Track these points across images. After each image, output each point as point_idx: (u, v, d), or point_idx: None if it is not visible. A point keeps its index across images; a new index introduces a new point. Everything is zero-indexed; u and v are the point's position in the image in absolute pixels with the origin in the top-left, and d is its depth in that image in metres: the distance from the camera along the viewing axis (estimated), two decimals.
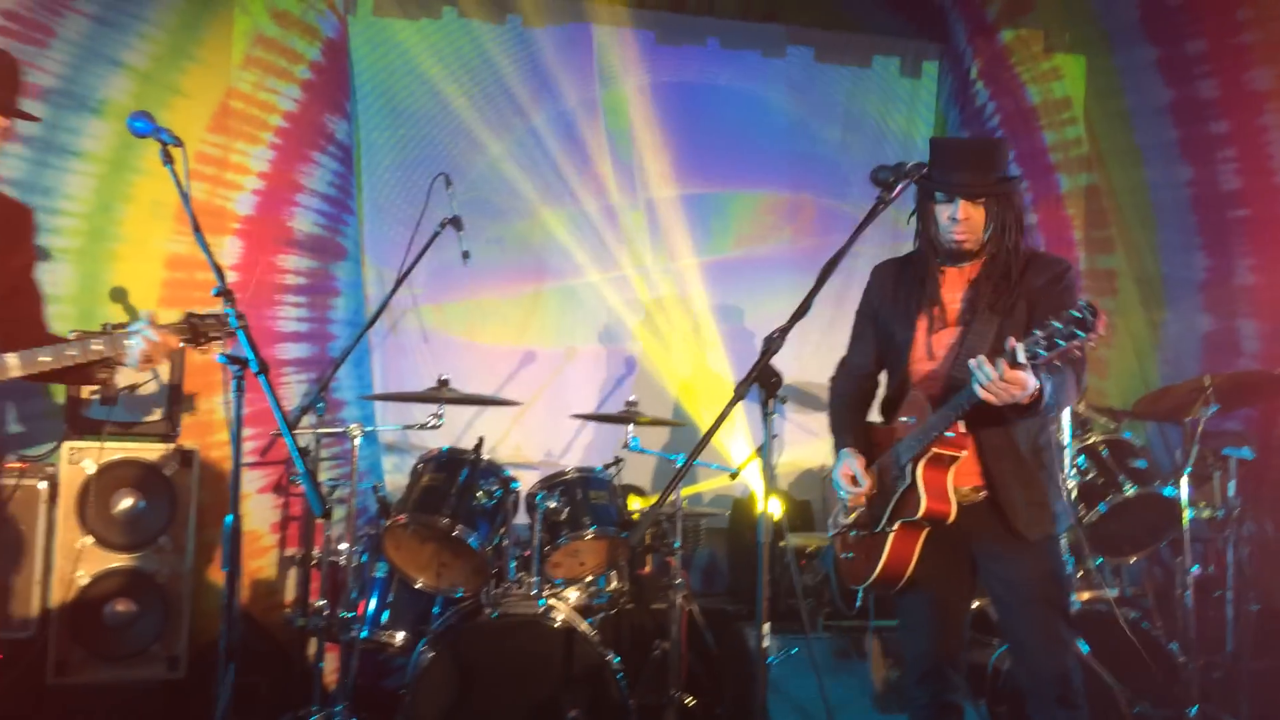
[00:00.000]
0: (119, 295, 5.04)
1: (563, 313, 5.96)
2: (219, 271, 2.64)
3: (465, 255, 4.32)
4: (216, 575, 5.09)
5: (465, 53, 5.84)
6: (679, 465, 4.49)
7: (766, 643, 2.65)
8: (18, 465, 4.41)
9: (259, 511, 5.31)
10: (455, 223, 4.31)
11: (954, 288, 3.19)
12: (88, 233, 5.07)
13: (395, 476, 5.56)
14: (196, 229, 2.73)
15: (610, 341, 6.02)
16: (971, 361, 2.79)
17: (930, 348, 3.18)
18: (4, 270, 2.98)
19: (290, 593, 5.29)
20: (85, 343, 2.86)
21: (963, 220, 3.08)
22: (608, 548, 4.35)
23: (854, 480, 3.23)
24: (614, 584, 4.45)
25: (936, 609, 3.24)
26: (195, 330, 2.94)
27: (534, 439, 5.84)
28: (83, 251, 5.06)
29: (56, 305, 5.00)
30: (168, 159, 2.80)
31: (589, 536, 4.21)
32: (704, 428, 5.77)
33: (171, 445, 4.62)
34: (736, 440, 5.76)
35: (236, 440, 2.59)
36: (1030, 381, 2.75)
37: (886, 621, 4.13)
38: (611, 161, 5.99)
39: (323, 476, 4.85)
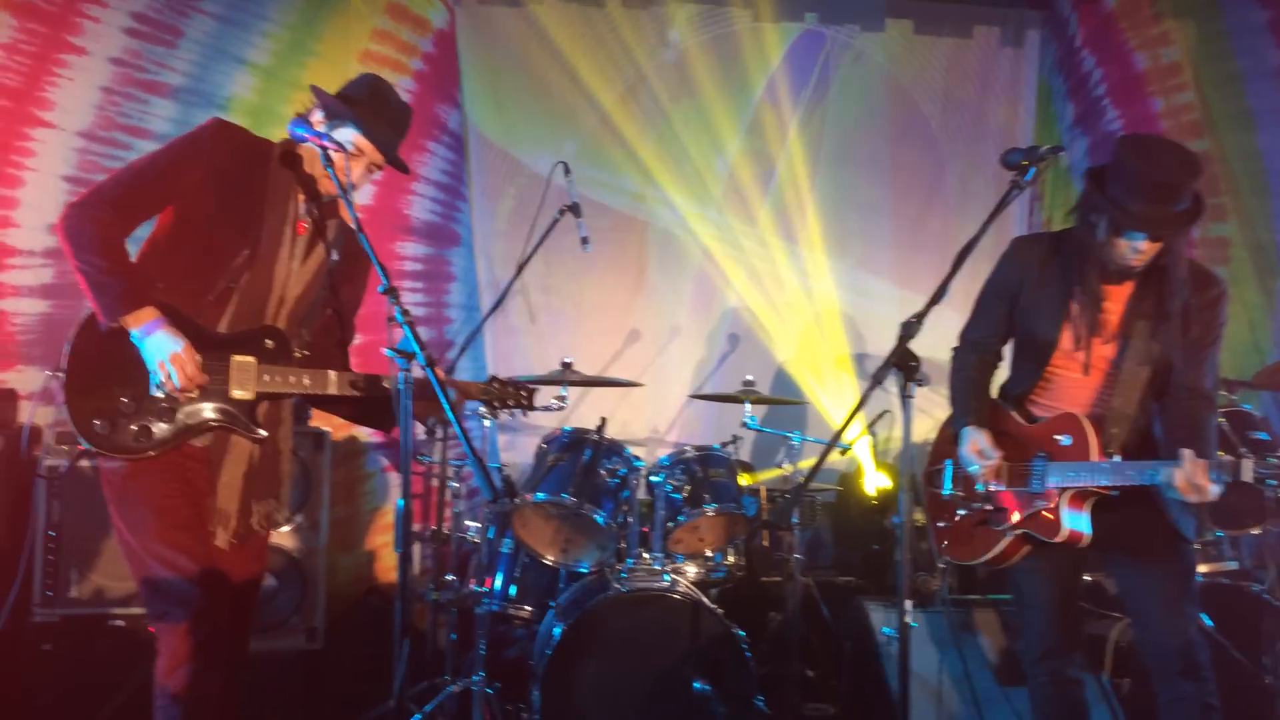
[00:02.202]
0: None
1: (667, 291, 6.06)
2: (383, 269, 2.78)
3: (584, 241, 4.43)
4: (348, 551, 5.34)
5: (569, 35, 5.93)
6: (796, 443, 4.64)
7: (910, 619, 2.73)
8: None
9: (383, 489, 5.53)
10: (574, 209, 4.42)
11: (1114, 296, 3.13)
12: None
13: (507, 454, 5.72)
14: (359, 229, 2.87)
15: (713, 320, 6.10)
16: (1187, 463, 2.83)
17: (1085, 358, 3.15)
18: (336, 297, 3.18)
19: (416, 565, 5.50)
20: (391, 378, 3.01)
21: (1144, 251, 2.98)
22: (727, 524, 4.46)
23: (982, 454, 3.22)
24: (731, 559, 4.55)
25: (1052, 586, 3.26)
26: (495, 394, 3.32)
27: (641, 416, 5.96)
28: None
29: None
30: (328, 162, 2.93)
31: (709, 513, 4.32)
32: (817, 405, 5.85)
33: (302, 427, 4.82)
34: (845, 414, 5.81)
35: (406, 431, 2.73)
36: (1217, 492, 2.82)
37: (1002, 596, 4.19)
38: (720, 141, 6.04)
39: (441, 457, 5.02)
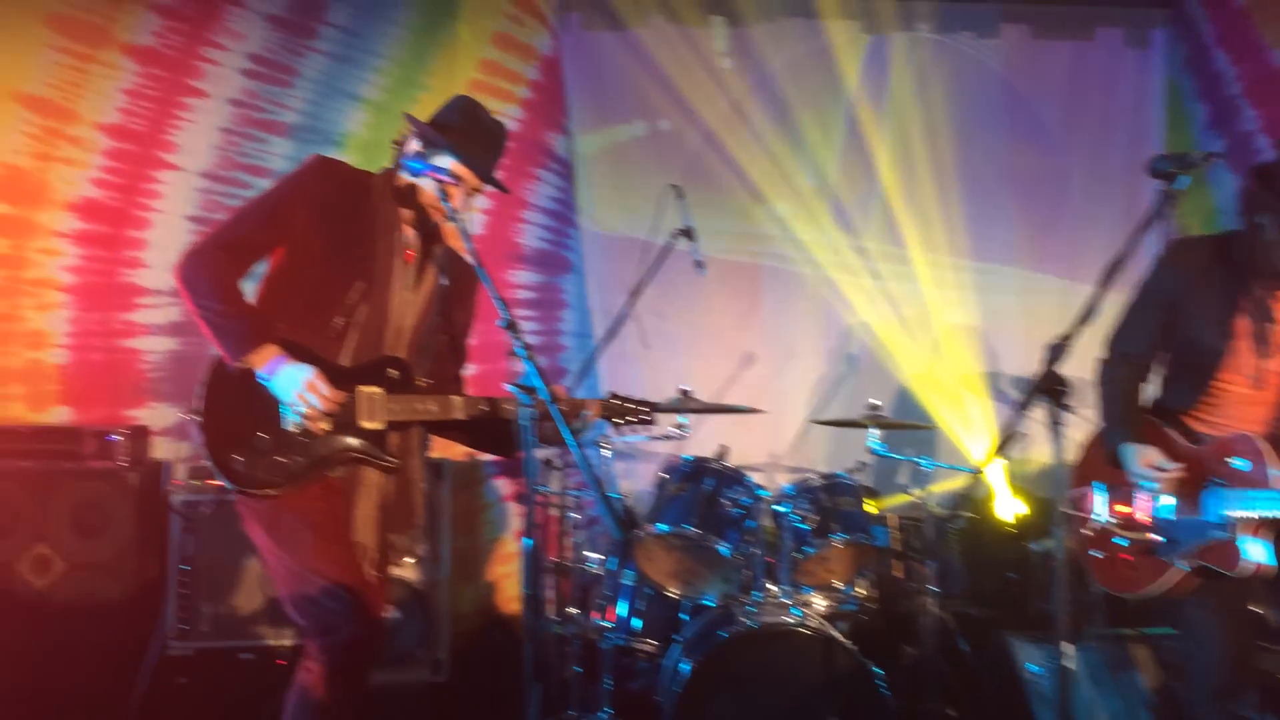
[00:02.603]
0: None
1: (782, 313, 5.92)
2: (503, 304, 2.73)
3: (699, 265, 4.35)
4: (469, 582, 5.32)
5: (675, 59, 5.87)
6: (928, 468, 4.47)
7: (1071, 664, 2.56)
8: None
9: (503, 519, 5.51)
10: (687, 233, 4.34)
11: None
12: None
13: (625, 482, 5.63)
14: (478, 262, 2.83)
15: (830, 340, 5.94)
16: None
17: (1257, 372, 2.97)
18: (449, 323, 3.18)
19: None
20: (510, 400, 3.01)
21: None
22: (856, 554, 4.31)
23: (1159, 469, 3.01)
24: (862, 590, 4.39)
25: (1225, 619, 3.04)
26: (615, 410, 3.26)
27: (758, 441, 5.81)
28: None
29: None
30: (444, 196, 2.91)
31: (838, 544, 4.17)
32: (944, 427, 5.65)
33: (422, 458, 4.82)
34: (977, 437, 5.60)
35: (530, 468, 2.67)
36: None
37: (1157, 629, 3.95)
38: (829, 156, 5.91)
39: (560, 486, 4.97)
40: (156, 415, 5.09)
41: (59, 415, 5.01)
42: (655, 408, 3.38)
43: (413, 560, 4.64)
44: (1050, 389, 2.63)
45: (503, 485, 5.51)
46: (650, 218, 5.69)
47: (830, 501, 4.25)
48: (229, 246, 2.92)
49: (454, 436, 3.34)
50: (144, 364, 5.12)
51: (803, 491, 4.30)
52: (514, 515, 5.50)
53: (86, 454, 4.45)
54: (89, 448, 4.45)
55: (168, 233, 5.15)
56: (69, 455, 4.44)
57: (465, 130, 3.06)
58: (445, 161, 3.00)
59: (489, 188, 3.13)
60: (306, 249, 2.94)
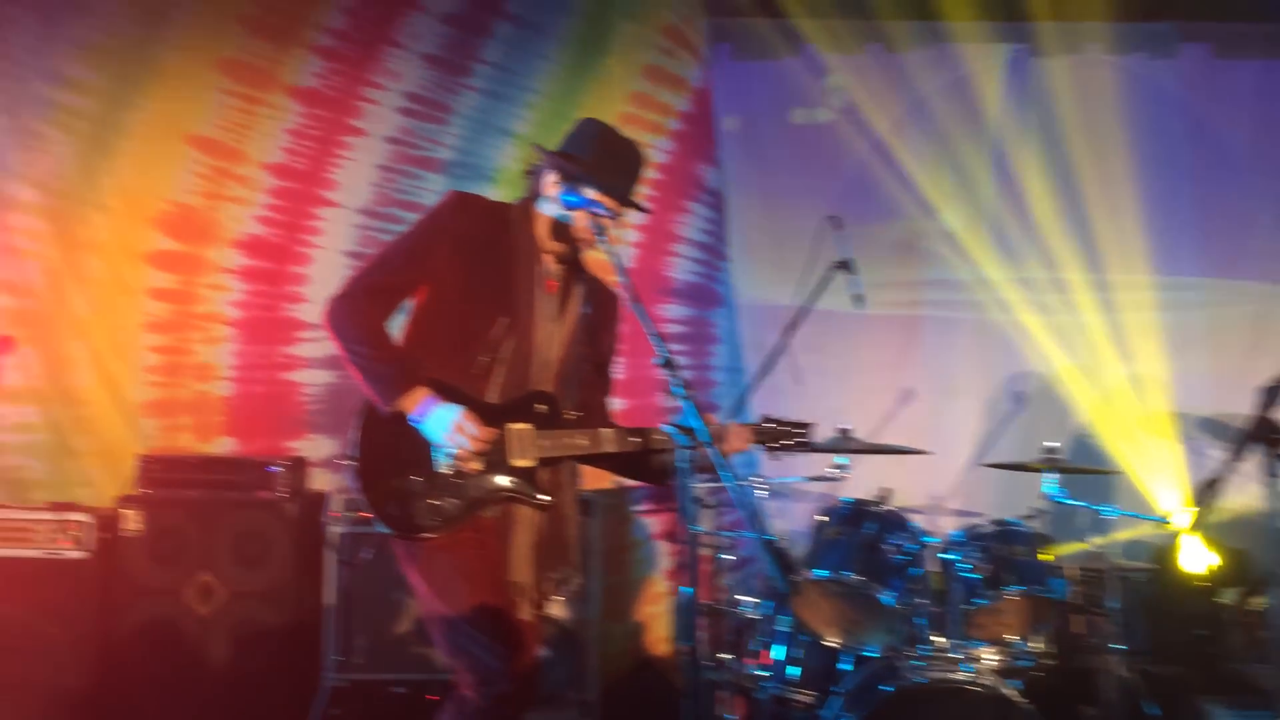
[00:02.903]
0: None
1: (943, 346, 5.67)
2: (661, 342, 2.63)
3: (858, 299, 4.18)
4: (619, 621, 5.22)
5: (827, 87, 5.72)
6: (1106, 516, 4.17)
7: None
8: None
9: (652, 557, 5.40)
10: (846, 265, 4.18)
11: None
12: None
13: (779, 522, 5.45)
14: (635, 299, 2.73)
15: (996, 377, 5.65)
16: None
17: None
18: (594, 351, 3.15)
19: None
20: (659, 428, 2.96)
21: None
22: (1032, 607, 4.03)
23: None
24: (1037, 645, 4.11)
25: None
26: (770, 434, 3.15)
27: (918, 481, 5.52)
28: None
29: None
30: (600, 231, 2.84)
31: (1013, 595, 3.92)
32: (1129, 472, 5.30)
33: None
34: (1163, 483, 5.23)
35: (688, 511, 2.55)
36: None
37: None
38: (987, 183, 5.66)
39: (711, 525, 4.83)
40: (315, 447, 5.16)
41: (224, 446, 5.13)
42: (809, 429, 3.25)
43: (562, 598, 4.57)
44: (1263, 436, 2.37)
45: (652, 522, 5.40)
46: (803, 250, 5.62)
47: (1003, 550, 4.00)
48: (373, 290, 2.92)
49: (603, 466, 3.25)
50: (303, 396, 5.21)
51: (973, 538, 4.06)
52: (664, 553, 5.37)
53: (249, 484, 4.53)
54: (251, 478, 4.53)
55: (327, 268, 5.24)
56: (232, 485, 4.52)
57: (602, 158, 2.99)
58: (587, 192, 2.94)
59: (633, 213, 3.06)
60: (449, 286, 2.93)
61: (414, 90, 5.36)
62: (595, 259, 3.02)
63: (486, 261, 2.95)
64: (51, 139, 5.10)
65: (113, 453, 4.97)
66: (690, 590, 2.57)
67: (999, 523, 4.11)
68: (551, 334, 3.03)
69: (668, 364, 2.61)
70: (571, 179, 2.95)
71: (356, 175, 5.31)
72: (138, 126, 5.16)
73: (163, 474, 4.52)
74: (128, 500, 4.45)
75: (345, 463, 2.88)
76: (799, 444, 3.22)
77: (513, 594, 2.94)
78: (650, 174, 5.47)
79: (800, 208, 5.56)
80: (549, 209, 2.99)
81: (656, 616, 5.35)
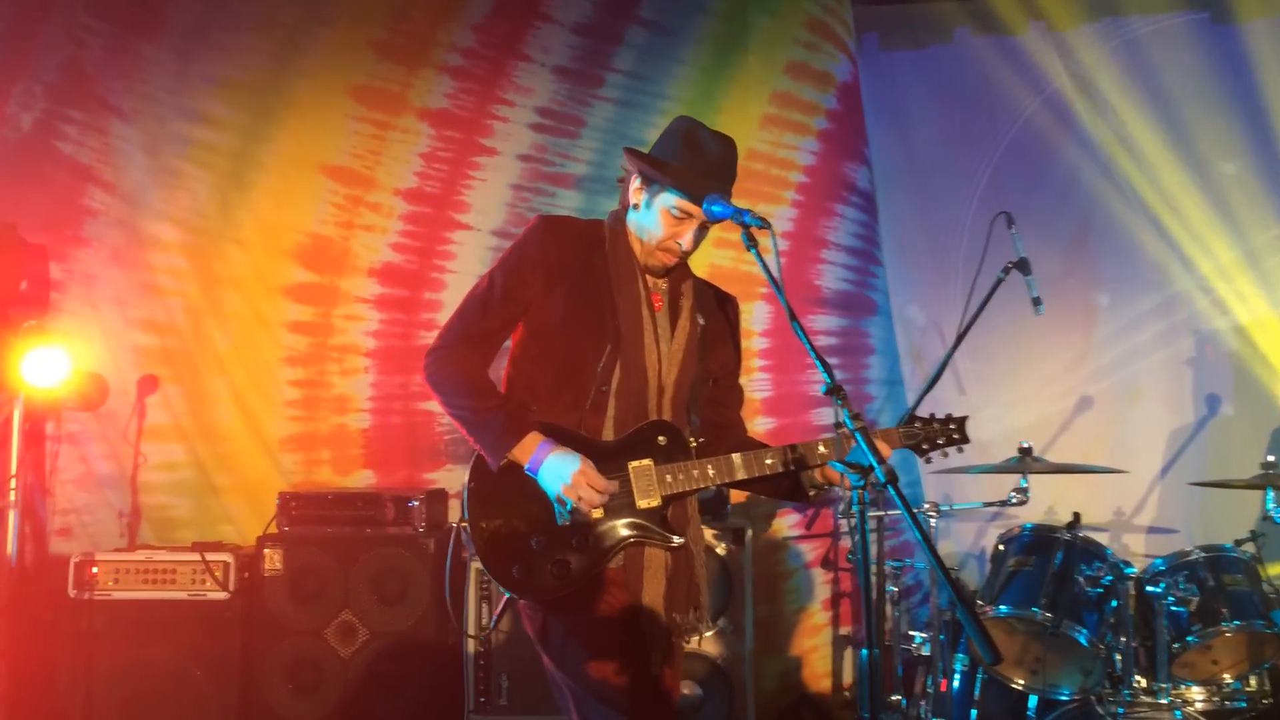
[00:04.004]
0: None
1: (1124, 347, 5.14)
2: (824, 366, 2.32)
3: (1036, 303, 3.77)
4: (774, 655, 4.91)
5: (980, 73, 5.30)
6: None
7: None
8: None
9: (807, 587, 5.06)
10: (1022, 266, 3.77)
11: None
12: None
13: (943, 544, 5.04)
14: (793, 318, 2.43)
15: (1186, 376, 5.10)
16: None
17: None
18: (715, 366, 2.89)
19: (848, 675, 4.97)
20: (811, 444, 2.69)
21: None
22: (1249, 643, 3.55)
23: None
24: (1255, 684, 3.62)
25: None
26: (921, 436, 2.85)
27: (1099, 497, 5.05)
28: None
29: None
30: (751, 242, 2.54)
31: (1229, 631, 3.44)
32: None
33: (723, 523, 4.47)
34: None
35: (864, 556, 2.23)
36: None
37: None
38: (1175, 155, 5.12)
39: (878, 555, 4.46)
40: (453, 478, 5.02)
41: (363, 479, 5.04)
42: (963, 423, 2.89)
43: (711, 633, 4.29)
44: None
45: (807, 550, 5.06)
46: (964, 250, 5.20)
47: (1215, 580, 3.55)
48: (469, 338, 2.73)
49: (738, 485, 2.94)
50: (440, 426, 5.08)
51: (1178, 567, 3.61)
52: (820, 584, 5.03)
53: (387, 520, 4.40)
54: (389, 514, 4.41)
55: (461, 294, 5.02)
56: (370, 521, 4.41)
57: (687, 161, 2.68)
58: (670, 200, 2.66)
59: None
60: (546, 320, 2.70)
61: (545, 105, 5.18)
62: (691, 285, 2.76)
63: (584, 287, 2.70)
64: (190, 176, 5.11)
65: (255, 489, 4.93)
66: (873, 655, 2.22)
67: (1209, 549, 3.64)
68: (663, 356, 2.75)
69: (834, 391, 2.29)
70: (651, 183, 2.68)
71: (489, 196, 5.16)
72: (272, 159, 5.14)
73: (301, 511, 4.44)
74: (267, 539, 4.38)
75: (460, 525, 2.65)
76: (955, 441, 2.84)
77: (642, 649, 2.67)
78: (796, 177, 5.17)
79: (959, 205, 5.17)
80: (640, 218, 2.72)
81: (815, 650, 5.00)
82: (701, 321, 2.82)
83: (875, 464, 2.18)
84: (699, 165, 2.68)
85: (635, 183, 2.74)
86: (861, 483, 2.22)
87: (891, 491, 2.14)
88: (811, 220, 5.15)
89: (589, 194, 5.14)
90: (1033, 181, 5.24)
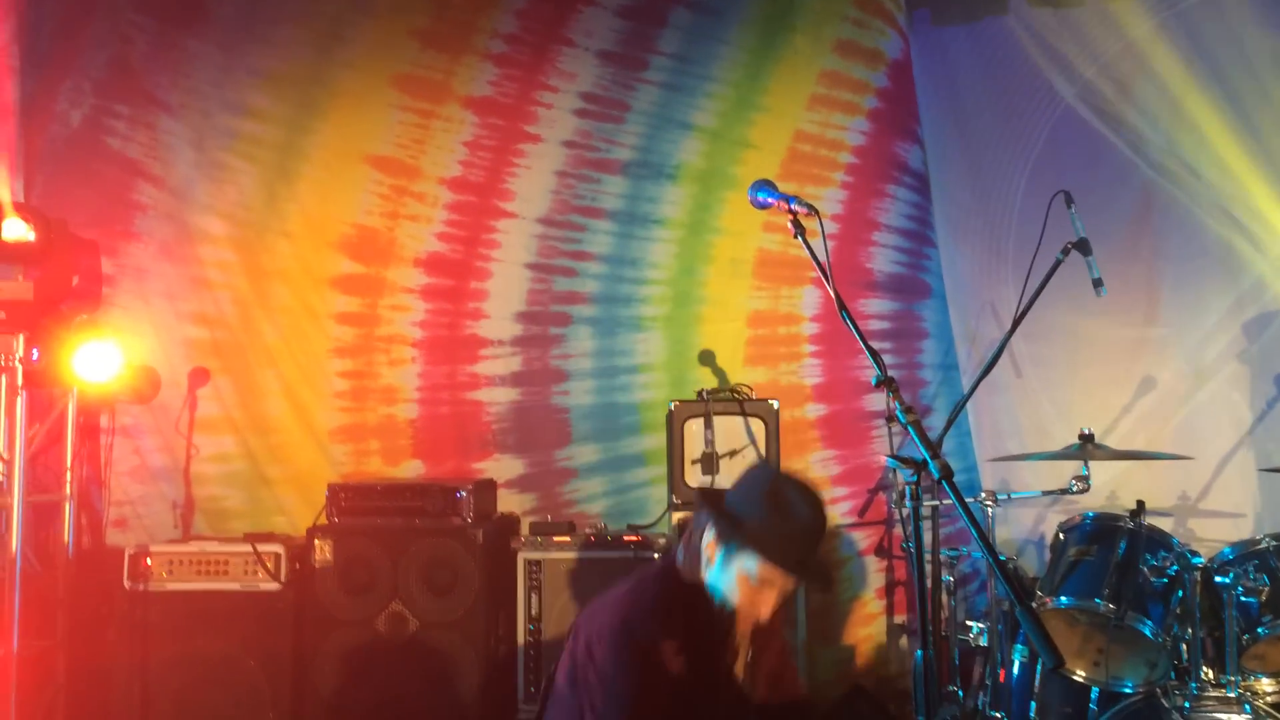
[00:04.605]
0: (707, 358, 4.99)
1: (1189, 326, 4.95)
2: (875, 357, 2.25)
3: (1098, 284, 3.64)
4: (827, 644, 4.84)
5: (1035, 45, 5.13)
6: None
7: None
8: (634, 538, 4.42)
9: (860, 576, 4.98)
10: (1082, 246, 3.64)
11: None
12: (673, 298, 5.08)
13: (1001, 530, 4.91)
14: (842, 307, 2.36)
15: (1256, 356, 4.91)
16: None
17: None
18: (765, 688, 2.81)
19: (902, 664, 4.88)
20: None
21: None
22: None
23: None
24: None
25: None
26: None
27: (1162, 481, 4.88)
28: (670, 318, 5.08)
29: (650, 374, 5.07)
30: (799, 229, 2.47)
31: None
32: None
33: None
34: None
35: (918, 554, 2.16)
36: None
37: None
38: (1234, 139, 4.91)
39: (929, 542, 4.36)
40: (502, 467, 5.01)
41: (412, 469, 5.03)
42: None
43: None
44: None
45: (860, 538, 4.97)
46: (1019, 230, 5.04)
47: None
48: None
49: None
50: (488, 415, 5.06)
51: (1247, 556, 3.47)
52: (873, 572, 4.94)
53: (435, 511, 4.39)
54: (438, 504, 4.39)
55: (507, 282, 5.07)
56: (419, 512, 4.39)
57: (771, 520, 2.48)
58: (750, 565, 2.48)
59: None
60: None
61: (589, 90, 5.12)
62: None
63: (694, 679, 2.53)
64: (236, 169, 5.12)
65: (305, 480, 4.95)
66: (922, 655, 2.15)
67: (1278, 536, 3.50)
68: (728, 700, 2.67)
69: (886, 382, 2.22)
70: (731, 544, 2.50)
71: (534, 184, 5.12)
72: (317, 150, 5.13)
73: (350, 502, 4.43)
74: (317, 530, 4.38)
75: None
76: None
77: None
78: (845, 158, 5.07)
79: (1015, 184, 5.03)
80: (714, 578, 2.55)
81: (869, 639, 4.92)
82: (750, 658, 2.71)
83: (929, 458, 2.10)
84: (786, 529, 2.48)
85: (708, 536, 2.55)
86: (915, 478, 2.14)
87: (946, 487, 2.05)
88: (862, 202, 5.05)
89: (635, 179, 5.09)
90: (1090, 158, 5.07)
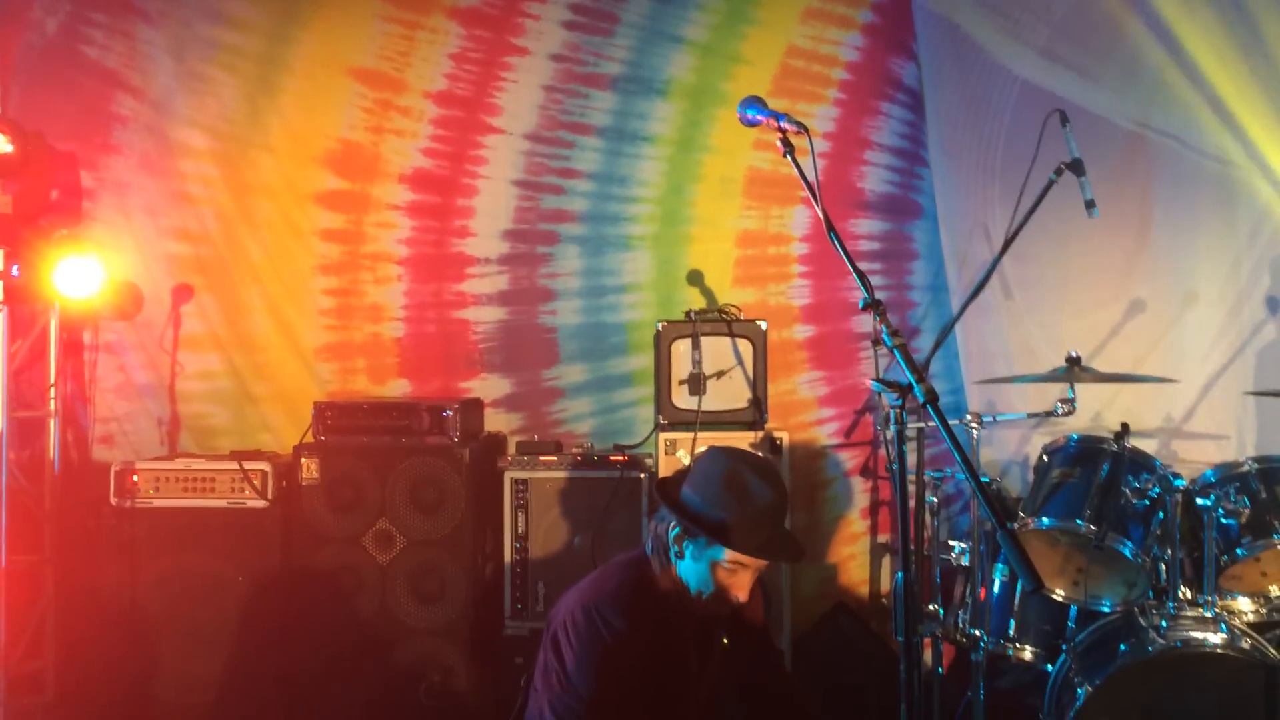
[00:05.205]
0: (695, 278, 4.96)
1: (1180, 247, 4.86)
2: (863, 280, 2.23)
3: (1090, 206, 3.61)
4: (811, 562, 4.89)
5: None
6: None
7: None
8: (620, 458, 4.43)
9: (845, 495, 5.02)
10: (1075, 167, 3.60)
11: None
12: (662, 217, 5.03)
13: (985, 451, 4.91)
14: (830, 229, 2.33)
15: (1242, 279, 4.87)
16: None
17: None
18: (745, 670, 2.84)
19: (884, 583, 4.95)
20: None
21: None
22: None
23: None
24: None
25: None
26: None
27: (1147, 402, 4.87)
28: (658, 237, 5.03)
29: (638, 293, 5.04)
30: (788, 148, 2.42)
31: (1279, 544, 3.35)
32: None
33: (760, 433, 4.41)
34: None
35: (901, 478, 2.16)
36: None
37: None
38: (1241, 52, 4.78)
39: (917, 464, 4.38)
40: (489, 387, 5.00)
41: (398, 388, 5.02)
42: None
43: None
44: None
45: (845, 459, 5.00)
46: (1013, 150, 4.95)
47: (1267, 491, 3.45)
48: None
49: None
50: (475, 334, 5.03)
51: (1229, 479, 3.51)
52: (858, 492, 4.98)
53: (422, 430, 4.39)
54: (424, 423, 4.39)
55: (494, 200, 5.01)
56: (406, 431, 4.39)
57: (733, 510, 2.52)
58: (719, 554, 2.52)
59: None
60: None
61: (578, 0, 4.99)
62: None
63: (653, 669, 2.57)
64: (217, 81, 5.02)
65: (291, 398, 4.94)
66: (902, 576, 2.16)
67: (1261, 459, 3.53)
68: (704, 688, 2.69)
69: (873, 306, 2.20)
70: (698, 539, 2.54)
71: (521, 99, 5.02)
72: (300, 62, 5.02)
73: (337, 421, 4.43)
74: (304, 449, 4.39)
75: None
76: None
77: None
78: (838, 74, 4.97)
79: (1010, 102, 4.92)
80: (685, 570, 2.59)
81: (853, 558, 4.99)
82: (726, 641, 2.72)
83: (914, 382, 2.09)
84: (748, 514, 2.51)
85: (674, 531, 2.59)
86: (900, 402, 2.13)
87: (931, 412, 2.05)
88: (855, 120, 4.97)
89: (624, 95, 5.00)
90: (1090, 68, 4.94)
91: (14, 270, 4.32)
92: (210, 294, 5.01)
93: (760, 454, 2.65)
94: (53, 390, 4.62)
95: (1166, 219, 4.90)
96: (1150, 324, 4.90)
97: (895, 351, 2.13)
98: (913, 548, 2.34)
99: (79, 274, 4.49)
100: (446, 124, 5.02)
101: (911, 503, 3.13)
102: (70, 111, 4.93)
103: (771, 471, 2.60)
